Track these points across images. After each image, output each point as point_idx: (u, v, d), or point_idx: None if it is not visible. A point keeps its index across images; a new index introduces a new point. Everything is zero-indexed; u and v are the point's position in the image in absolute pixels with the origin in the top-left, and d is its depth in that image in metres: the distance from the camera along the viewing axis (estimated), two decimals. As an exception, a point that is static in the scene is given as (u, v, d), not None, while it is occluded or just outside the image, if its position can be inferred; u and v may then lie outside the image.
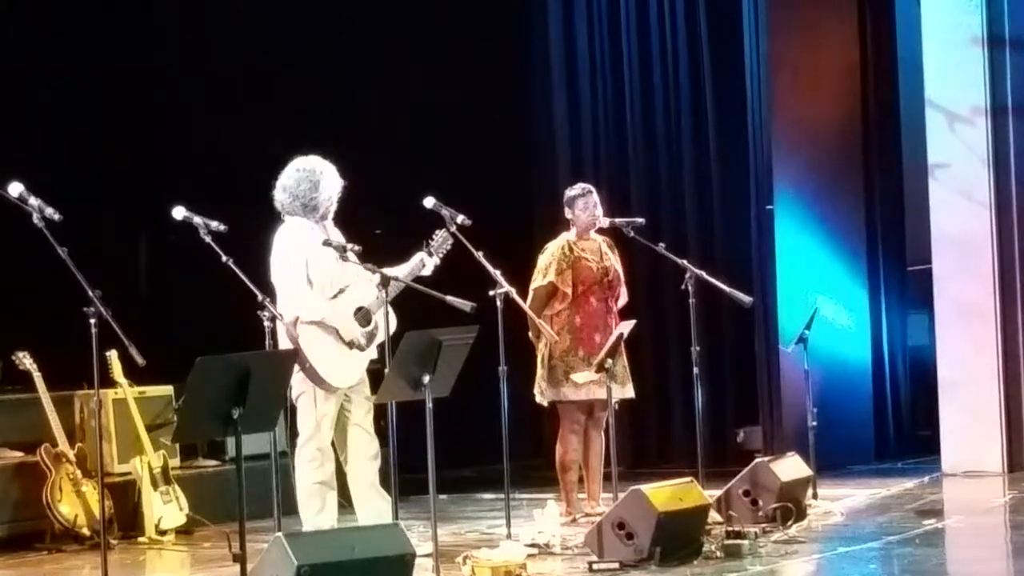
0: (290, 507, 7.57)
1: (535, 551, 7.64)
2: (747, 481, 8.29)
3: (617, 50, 11.77)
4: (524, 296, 8.57)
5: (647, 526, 7.21)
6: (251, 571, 5.95)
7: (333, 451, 7.71)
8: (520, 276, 8.72)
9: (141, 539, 8.88)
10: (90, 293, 6.41)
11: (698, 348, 8.72)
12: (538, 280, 8.90)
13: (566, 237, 9.01)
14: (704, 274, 8.79)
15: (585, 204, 8.97)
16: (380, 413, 7.77)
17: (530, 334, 8.90)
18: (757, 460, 8.59)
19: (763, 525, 8.03)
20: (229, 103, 11.15)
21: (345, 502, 7.81)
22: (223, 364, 5.89)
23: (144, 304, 11.30)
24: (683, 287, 8.78)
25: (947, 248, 10.55)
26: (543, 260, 8.95)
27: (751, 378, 11.07)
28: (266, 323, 6.98)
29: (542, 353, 8.89)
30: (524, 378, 8.97)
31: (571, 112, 11.92)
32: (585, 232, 8.99)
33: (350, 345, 7.59)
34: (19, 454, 9.05)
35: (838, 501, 9.19)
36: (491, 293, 8.05)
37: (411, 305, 7.81)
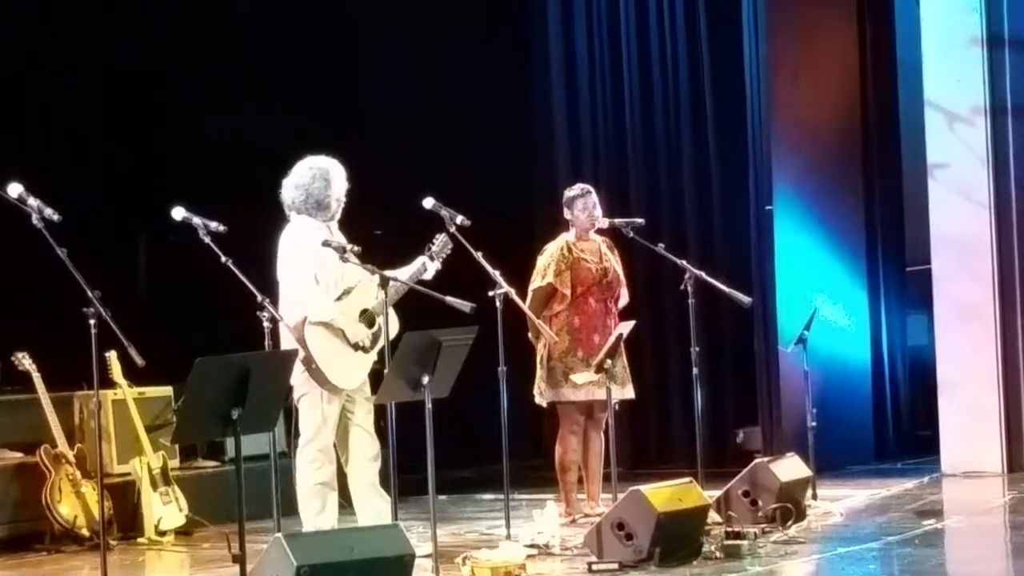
0: (289, 508, 7.57)
1: (535, 552, 7.64)
2: (747, 481, 8.30)
3: (616, 50, 11.77)
4: (523, 297, 8.57)
5: (646, 527, 7.21)
6: (251, 572, 5.95)
7: (334, 452, 7.71)
8: (519, 277, 8.72)
9: (140, 540, 8.88)
10: (89, 294, 6.41)
11: (697, 348, 8.73)
12: (537, 281, 8.90)
13: (565, 238, 9.01)
14: (703, 274, 8.79)
15: (584, 205, 8.97)
16: (380, 414, 7.78)
17: (530, 335, 8.90)
18: (756, 460, 8.59)
19: (763, 525, 8.03)
20: (229, 103, 11.15)
21: (345, 503, 7.81)
22: (223, 365, 5.89)
23: (143, 305, 11.29)
24: (682, 287, 8.78)
25: (946, 248, 10.56)
26: (542, 261, 8.95)
27: (751, 379, 11.07)
28: (265, 323, 6.97)
29: (541, 354, 8.89)
30: (523, 379, 8.97)
31: (570, 112, 11.92)
32: (584, 233, 8.99)
33: (355, 347, 7.59)
34: (18, 455, 9.05)
35: (838, 501, 9.19)
36: (490, 294, 8.06)
37: (410, 306, 7.82)
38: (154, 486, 8.99)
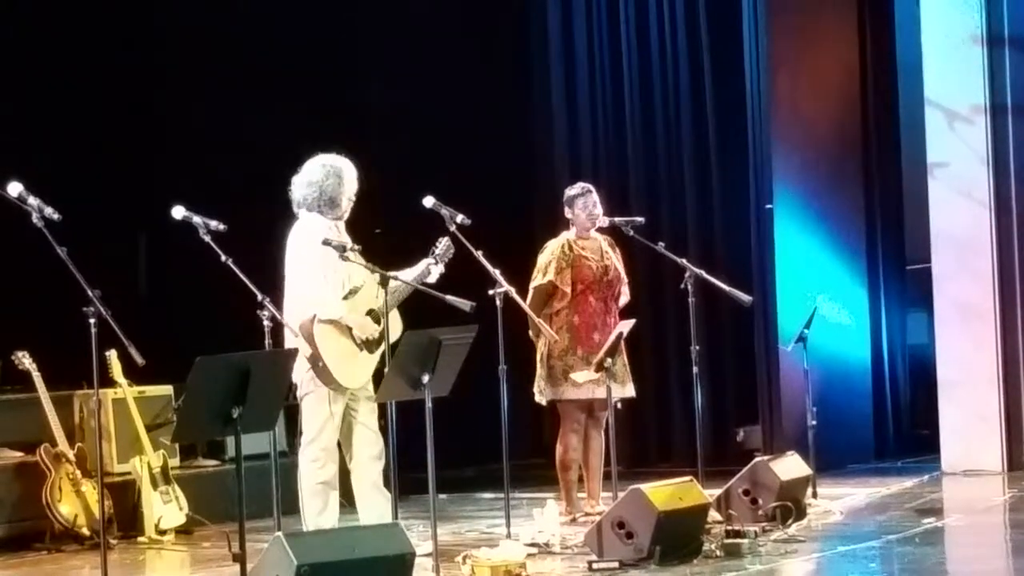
0: (290, 507, 7.57)
1: (535, 550, 7.64)
2: (747, 480, 8.30)
3: (616, 50, 11.76)
4: (524, 295, 8.57)
5: (647, 525, 7.21)
6: (251, 571, 5.95)
7: (337, 451, 7.72)
8: (520, 276, 8.72)
9: (141, 539, 8.89)
10: (90, 293, 6.41)
11: (698, 347, 8.73)
12: (538, 279, 8.90)
13: (566, 236, 9.01)
14: (704, 273, 8.79)
15: (584, 203, 8.98)
16: (380, 412, 7.77)
17: (530, 333, 8.90)
18: (757, 459, 8.59)
19: (763, 524, 8.03)
20: (229, 103, 11.16)
21: (346, 501, 7.81)
22: (223, 364, 5.89)
23: (143, 304, 11.30)
24: (683, 286, 8.78)
25: (946, 247, 10.56)
26: (543, 259, 8.95)
27: (751, 377, 11.07)
28: (265, 322, 6.97)
29: (542, 352, 8.89)
30: (524, 378, 8.97)
31: (570, 112, 11.91)
32: (585, 231, 8.99)
33: (361, 345, 7.59)
34: (19, 454, 9.05)
35: (838, 500, 9.20)
36: (491, 292, 8.06)
37: (411, 305, 7.82)
38: (154, 485, 8.99)
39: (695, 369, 8.71)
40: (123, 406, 9.20)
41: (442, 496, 8.18)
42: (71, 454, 8.79)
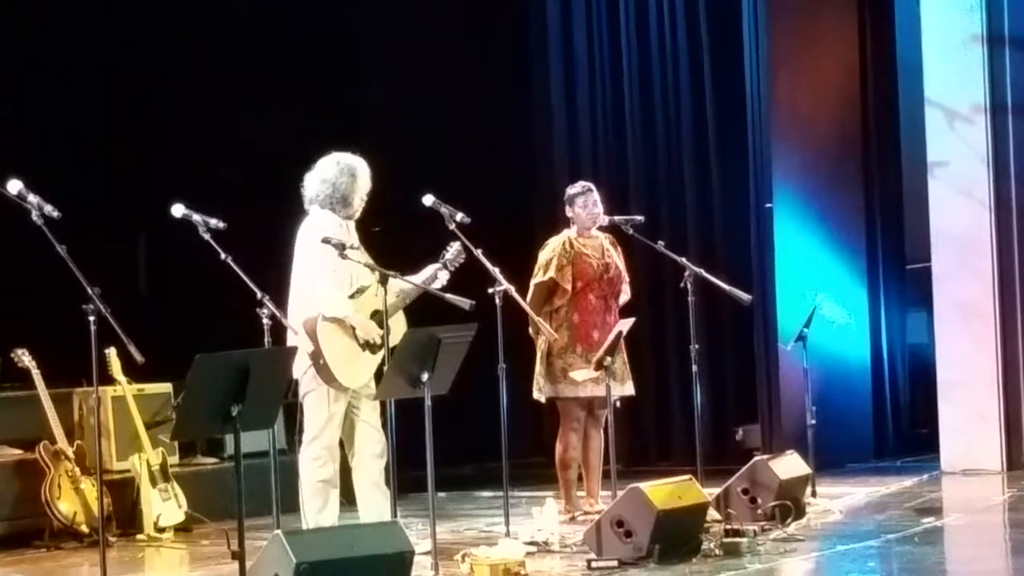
0: (289, 504, 7.57)
1: (534, 549, 7.64)
2: (746, 479, 8.30)
3: (616, 48, 11.76)
4: (523, 294, 8.56)
5: (646, 524, 7.21)
6: (250, 569, 5.95)
7: (338, 450, 7.72)
8: (519, 274, 8.71)
9: (140, 537, 8.89)
10: (89, 291, 6.40)
11: (697, 346, 8.73)
12: (539, 276, 8.90)
13: (567, 234, 9.01)
14: (703, 272, 8.79)
15: (585, 202, 8.98)
16: (381, 410, 7.77)
17: (530, 330, 8.90)
18: (756, 458, 8.60)
19: (762, 523, 8.03)
20: (229, 103, 11.16)
21: (345, 500, 7.81)
22: (222, 361, 5.89)
23: (143, 302, 11.30)
24: (682, 285, 8.78)
25: (946, 246, 10.56)
26: (544, 256, 8.95)
27: (750, 376, 11.07)
28: (265, 320, 6.97)
29: (542, 349, 8.89)
30: (523, 376, 8.97)
31: (570, 111, 11.91)
32: (586, 230, 9.00)
33: (364, 345, 7.58)
34: (18, 451, 9.05)
35: (837, 499, 9.20)
36: (490, 291, 8.05)
37: (411, 303, 7.81)
38: (153, 483, 8.99)
39: (694, 368, 8.72)
40: (122, 404, 9.21)
41: (441, 494, 8.19)
42: (70, 452, 8.80)
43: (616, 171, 11.67)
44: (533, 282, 8.89)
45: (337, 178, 7.73)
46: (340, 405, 7.63)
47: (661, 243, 8.90)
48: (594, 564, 7.19)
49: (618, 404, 8.77)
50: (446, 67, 11.74)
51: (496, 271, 8.04)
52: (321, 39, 11.60)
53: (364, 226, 8.08)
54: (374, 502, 7.66)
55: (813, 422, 9.37)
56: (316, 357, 7.45)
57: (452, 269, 7.84)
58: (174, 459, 9.46)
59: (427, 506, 7.00)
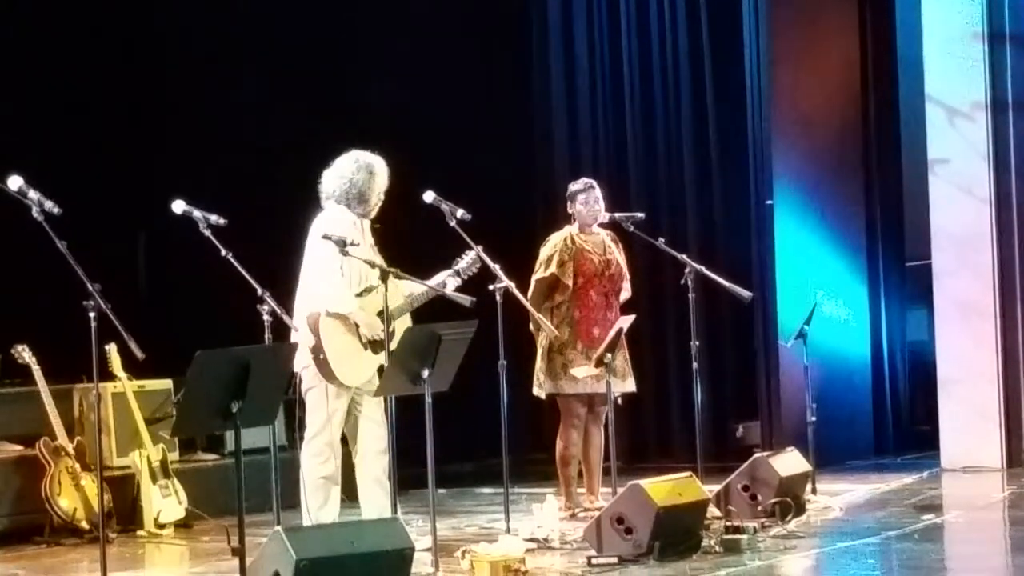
0: (289, 501, 7.57)
1: (534, 545, 7.64)
2: (746, 476, 8.30)
3: (616, 43, 11.74)
4: (524, 291, 8.56)
5: (646, 521, 7.21)
6: (250, 565, 5.95)
7: (340, 446, 7.71)
8: (520, 271, 8.71)
9: (140, 533, 8.89)
10: (89, 287, 6.40)
11: (697, 343, 8.73)
12: (540, 272, 8.90)
13: (569, 230, 9.01)
14: (704, 269, 8.79)
15: (586, 199, 8.98)
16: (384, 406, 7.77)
17: (531, 326, 8.90)
18: (756, 455, 8.60)
19: (762, 520, 8.03)
20: (229, 103, 11.15)
21: (346, 496, 7.81)
22: (223, 358, 5.88)
23: (144, 298, 11.30)
24: (683, 282, 8.79)
25: (947, 244, 10.56)
26: (545, 251, 8.95)
27: (750, 373, 11.07)
28: (265, 317, 6.96)
29: (542, 346, 8.89)
30: (523, 373, 8.97)
31: (570, 104, 11.89)
32: (587, 226, 9.00)
33: (367, 345, 7.57)
34: (18, 447, 9.05)
35: (837, 496, 9.19)
36: (491, 287, 8.05)
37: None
38: (154, 479, 8.99)
39: (695, 365, 8.71)
40: (123, 400, 9.21)
41: (441, 491, 8.19)
42: (70, 448, 8.79)
43: (616, 168, 11.66)
44: (534, 278, 8.89)
45: (355, 175, 7.76)
46: (342, 402, 7.63)
47: (662, 240, 8.91)
48: (594, 561, 7.19)
49: (619, 401, 8.77)
50: (446, 67, 11.71)
51: (496, 268, 8.04)
52: (321, 39, 11.60)
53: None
54: (376, 498, 7.66)
55: (813, 419, 9.37)
56: (317, 352, 7.45)
57: (464, 278, 7.84)
58: (174, 455, 9.47)
59: (427, 502, 7.00)
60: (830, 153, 11.28)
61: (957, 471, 10.34)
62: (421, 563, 6.69)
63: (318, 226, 7.67)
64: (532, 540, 7.70)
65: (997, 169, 10.45)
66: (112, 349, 8.81)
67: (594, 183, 9.10)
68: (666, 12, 11.57)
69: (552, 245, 8.95)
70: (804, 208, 10.93)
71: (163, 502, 8.97)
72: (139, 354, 6.49)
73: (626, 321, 8.62)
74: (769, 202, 10.75)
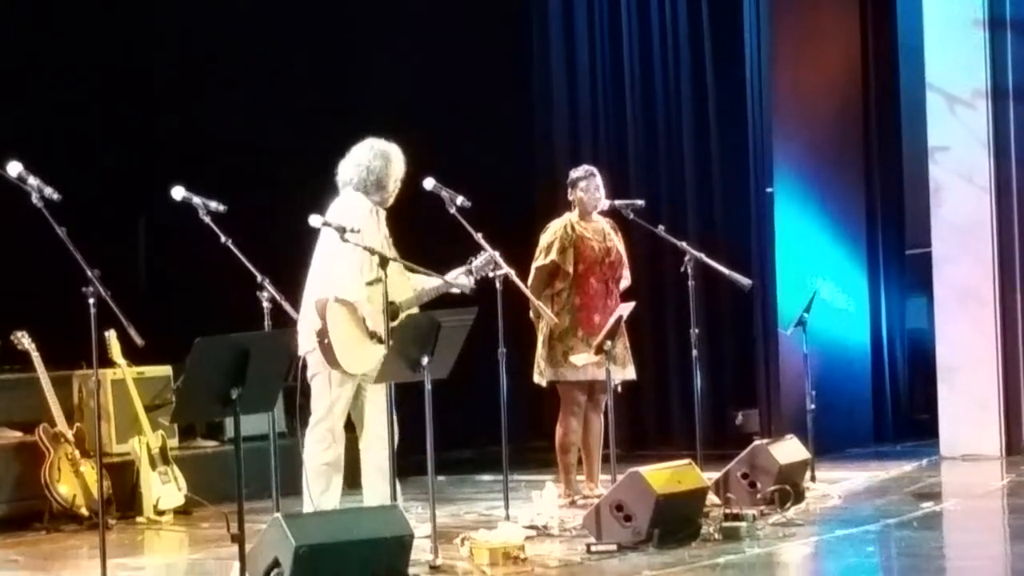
0: (289, 488, 7.57)
1: (533, 533, 7.64)
2: (745, 464, 8.31)
3: (617, 33, 11.73)
4: (524, 278, 8.55)
5: (645, 508, 7.22)
6: (250, 552, 5.96)
7: (343, 433, 7.71)
8: (520, 259, 8.70)
9: (139, 519, 8.89)
10: (89, 273, 6.39)
11: (697, 331, 8.74)
12: (540, 259, 8.90)
13: (569, 217, 9.00)
14: (704, 257, 8.79)
15: (587, 186, 8.98)
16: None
17: (531, 314, 8.90)
18: (755, 443, 8.60)
19: (761, 508, 8.04)
20: (229, 103, 11.15)
21: (347, 484, 7.81)
22: (222, 344, 5.88)
23: (143, 285, 11.30)
24: (682, 270, 8.78)
25: (947, 231, 10.56)
26: (545, 239, 8.95)
27: (750, 361, 11.08)
28: (265, 304, 6.95)
29: (543, 333, 8.88)
30: (523, 360, 8.97)
31: (571, 94, 11.87)
32: (587, 214, 8.99)
33: (371, 336, 7.56)
34: (18, 434, 9.05)
35: (836, 484, 9.20)
36: (491, 275, 8.04)
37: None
38: (153, 466, 8.99)
39: (694, 352, 8.72)
40: (122, 387, 9.20)
41: (441, 478, 8.20)
42: (70, 434, 8.79)
43: (617, 156, 11.64)
44: (534, 265, 8.88)
45: (371, 161, 7.76)
46: (346, 389, 7.62)
47: (661, 227, 8.90)
48: (593, 548, 7.20)
49: (619, 388, 8.77)
50: (446, 67, 11.68)
51: (496, 255, 8.03)
52: (321, 39, 11.58)
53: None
54: (377, 488, 7.65)
55: (812, 407, 9.37)
56: (322, 336, 7.44)
57: (477, 277, 7.83)
58: (174, 442, 9.46)
59: (427, 489, 7.00)
60: (830, 141, 11.27)
61: (956, 459, 10.35)
62: (420, 550, 6.69)
63: (332, 211, 7.66)
64: (531, 527, 7.71)
65: (997, 157, 10.45)
66: (112, 336, 8.81)
67: (595, 170, 9.10)
68: (667, 0, 11.54)
69: (552, 232, 8.94)
70: (804, 196, 10.93)
71: (162, 489, 8.97)
72: (139, 340, 6.48)
73: (626, 308, 8.62)
74: (769, 190, 10.75)
